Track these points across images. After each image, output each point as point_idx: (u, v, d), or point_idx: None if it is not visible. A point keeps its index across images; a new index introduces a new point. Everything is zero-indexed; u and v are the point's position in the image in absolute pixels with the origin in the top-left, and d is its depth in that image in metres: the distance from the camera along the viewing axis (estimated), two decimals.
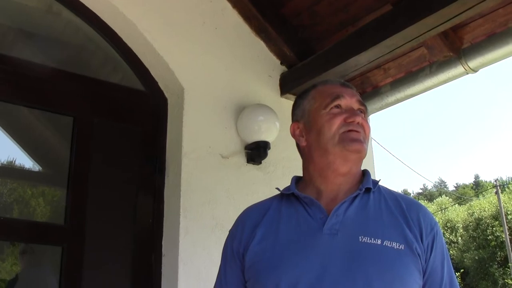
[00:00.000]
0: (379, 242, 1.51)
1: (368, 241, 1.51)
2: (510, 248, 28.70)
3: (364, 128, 1.67)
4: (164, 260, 3.22)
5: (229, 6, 3.90)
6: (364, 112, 1.73)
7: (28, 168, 3.62)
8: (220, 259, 1.80)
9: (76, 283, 2.93)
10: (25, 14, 3.44)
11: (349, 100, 1.70)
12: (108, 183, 3.26)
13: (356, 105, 1.71)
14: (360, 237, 1.52)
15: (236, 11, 3.93)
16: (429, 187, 67.15)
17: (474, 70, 3.58)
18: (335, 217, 1.57)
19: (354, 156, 1.64)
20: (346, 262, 1.48)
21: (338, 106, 1.68)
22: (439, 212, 40.16)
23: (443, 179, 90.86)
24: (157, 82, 3.57)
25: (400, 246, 1.51)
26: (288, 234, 1.60)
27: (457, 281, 1.64)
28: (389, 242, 1.51)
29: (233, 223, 1.82)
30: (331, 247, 1.51)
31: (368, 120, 1.75)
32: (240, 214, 1.81)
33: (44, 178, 3.75)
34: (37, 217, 3.33)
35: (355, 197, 1.62)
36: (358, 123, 1.65)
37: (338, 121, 1.65)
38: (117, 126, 3.42)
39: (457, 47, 3.57)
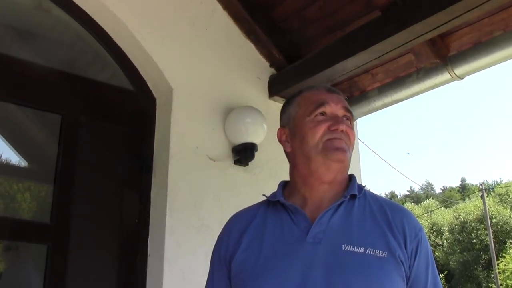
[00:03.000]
0: (362, 250, 1.51)
1: (351, 249, 1.51)
2: (494, 251, 28.88)
3: (348, 136, 1.67)
4: (149, 260, 3.22)
5: (219, 7, 3.91)
6: (350, 119, 1.72)
7: (15, 164, 3.61)
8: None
9: (61, 282, 2.93)
10: (13, 10, 3.42)
11: (334, 107, 1.69)
12: (95, 182, 3.26)
13: (341, 112, 1.70)
14: (343, 246, 1.52)
15: (227, 13, 3.94)
16: (416, 190, 67.48)
17: (460, 77, 3.62)
18: (319, 226, 1.57)
19: (337, 165, 1.64)
20: (328, 271, 1.49)
21: (322, 114, 1.68)
22: (426, 215, 40.36)
23: (430, 181, 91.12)
24: (146, 82, 3.57)
25: (383, 253, 1.51)
26: (272, 242, 1.60)
27: (441, 286, 1.66)
28: (372, 250, 1.51)
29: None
30: (314, 256, 1.52)
31: (354, 127, 1.75)
32: (228, 221, 1.81)
33: (30, 174, 3.74)
34: (23, 212, 3.32)
35: (340, 204, 1.62)
36: (342, 131, 1.65)
37: (321, 129, 1.65)
38: (105, 125, 3.42)
39: (444, 55, 3.62)
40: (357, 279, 1.47)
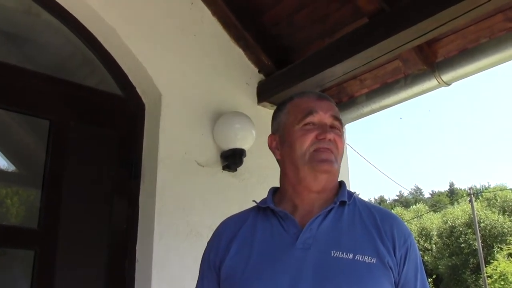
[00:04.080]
0: (351, 256, 1.52)
1: (340, 255, 1.52)
2: (482, 256, 29.02)
3: (336, 144, 1.67)
4: (138, 266, 3.22)
5: (208, 13, 3.93)
6: (339, 127, 1.72)
7: (3, 168, 3.59)
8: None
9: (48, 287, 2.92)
10: (2, 14, 3.41)
11: (323, 116, 1.69)
12: (83, 187, 3.25)
13: (329, 121, 1.70)
14: (332, 252, 1.53)
15: (216, 19, 3.96)
16: (405, 194, 67.69)
17: (447, 84, 3.65)
18: (309, 232, 1.58)
19: (324, 176, 1.65)
20: (317, 277, 1.49)
21: (311, 122, 1.68)
22: (415, 219, 40.50)
23: (419, 186, 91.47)
24: (135, 87, 3.57)
25: (372, 259, 1.52)
26: (262, 248, 1.61)
27: None
28: (361, 256, 1.52)
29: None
30: (303, 262, 1.52)
31: (343, 134, 1.75)
32: (218, 226, 1.81)
33: (19, 179, 3.72)
34: (11, 217, 3.30)
35: (330, 210, 1.63)
36: (330, 139, 1.65)
37: (309, 138, 1.65)
38: (94, 130, 3.42)
39: (431, 61, 3.65)
40: (346, 285, 1.48)
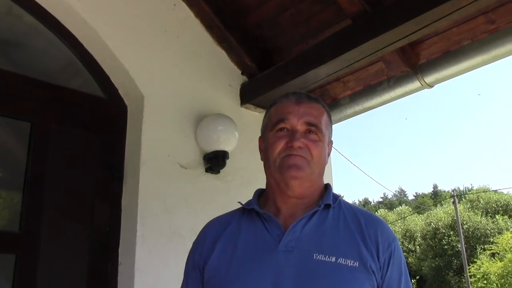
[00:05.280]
0: (333, 259, 1.52)
1: (322, 258, 1.52)
2: (465, 257, 29.24)
3: (309, 150, 1.65)
4: (121, 269, 3.20)
5: (191, 15, 3.92)
6: (316, 132, 1.69)
7: None
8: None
9: None
10: None
11: (295, 122, 1.67)
12: (65, 190, 3.23)
13: (303, 127, 1.68)
14: (314, 255, 1.53)
15: (199, 20, 3.95)
16: (390, 196, 68.01)
17: (430, 86, 3.67)
18: (292, 234, 1.58)
19: (295, 182, 1.64)
20: (299, 280, 1.49)
21: (283, 129, 1.68)
22: (399, 221, 40.71)
23: (403, 188, 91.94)
24: (117, 89, 3.55)
25: (355, 263, 1.52)
26: (245, 249, 1.61)
27: None
28: (343, 259, 1.52)
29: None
30: (285, 265, 1.53)
31: (323, 138, 1.71)
32: (204, 227, 1.81)
33: (1, 182, 3.68)
34: None
35: (314, 213, 1.63)
36: (299, 147, 1.64)
37: (280, 145, 1.66)
38: (76, 133, 3.38)
39: (414, 63, 3.67)
40: None
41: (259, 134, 1.83)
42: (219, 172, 3.65)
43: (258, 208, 1.68)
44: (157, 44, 3.67)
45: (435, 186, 67.31)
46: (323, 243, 1.57)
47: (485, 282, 28.34)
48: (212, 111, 3.73)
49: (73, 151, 3.34)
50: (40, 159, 3.12)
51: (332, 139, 1.81)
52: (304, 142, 1.65)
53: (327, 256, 1.53)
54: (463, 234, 30.61)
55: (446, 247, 34.87)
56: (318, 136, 1.69)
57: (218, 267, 1.61)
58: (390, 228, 1.72)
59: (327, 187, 1.74)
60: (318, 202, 1.66)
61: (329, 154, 1.78)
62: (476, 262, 30.03)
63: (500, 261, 28.12)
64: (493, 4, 3.10)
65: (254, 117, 3.97)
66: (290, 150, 1.64)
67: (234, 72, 4.08)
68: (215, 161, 3.57)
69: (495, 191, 41.32)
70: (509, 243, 28.11)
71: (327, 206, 1.66)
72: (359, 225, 1.63)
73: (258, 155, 1.83)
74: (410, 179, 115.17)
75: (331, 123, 1.80)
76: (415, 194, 68.18)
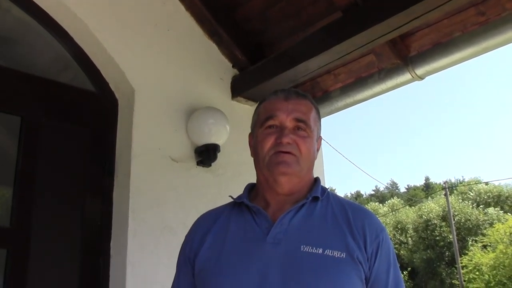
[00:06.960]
0: (320, 251, 1.53)
1: (309, 250, 1.54)
2: (457, 249, 29.40)
3: (298, 146, 1.66)
4: (112, 263, 3.20)
5: (182, 8, 3.91)
6: (304, 128, 1.70)
7: None
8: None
9: (21, 287, 2.88)
10: None
11: (284, 119, 1.69)
12: (56, 184, 3.22)
13: (291, 124, 1.69)
14: (302, 247, 1.55)
15: (189, 14, 3.94)
16: (381, 189, 68.21)
17: (421, 78, 3.69)
18: (280, 226, 1.59)
19: (284, 178, 1.65)
20: (286, 271, 1.51)
21: (272, 126, 1.70)
22: (391, 214, 40.85)
23: (395, 181, 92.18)
24: (107, 83, 3.54)
25: (341, 254, 1.53)
26: (234, 242, 1.63)
27: (404, 287, 1.67)
28: (330, 251, 1.53)
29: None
30: (272, 257, 1.54)
31: (312, 134, 1.72)
32: (195, 220, 1.83)
33: None
34: None
35: (302, 206, 1.64)
36: (288, 143, 1.65)
37: (269, 142, 1.67)
38: (66, 127, 3.37)
39: (405, 55, 3.68)
40: (313, 279, 1.50)
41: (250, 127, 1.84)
42: (210, 165, 3.65)
43: (248, 202, 1.70)
44: (148, 37, 3.65)
45: (427, 179, 67.56)
46: (310, 235, 1.58)
47: (477, 273, 28.50)
48: (203, 104, 3.73)
49: (63, 145, 3.33)
50: (30, 154, 3.11)
51: (321, 134, 1.82)
52: (293, 138, 1.66)
53: (314, 248, 1.54)
54: (454, 226, 30.77)
55: (437, 238, 35.05)
56: (306, 132, 1.70)
57: (208, 259, 1.63)
58: (379, 219, 1.73)
59: (316, 180, 1.76)
60: (307, 195, 1.67)
61: (318, 150, 1.78)
62: (468, 253, 30.17)
63: (492, 252, 28.28)
64: None
65: (245, 110, 3.97)
66: (279, 147, 1.65)
67: (225, 65, 4.07)
68: (206, 154, 3.57)
69: (486, 183, 41.53)
70: (500, 234, 28.26)
71: (315, 199, 1.67)
72: (346, 217, 1.64)
73: (249, 148, 1.83)
74: (402, 172, 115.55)
75: (319, 119, 1.82)
76: (407, 187, 68.45)
